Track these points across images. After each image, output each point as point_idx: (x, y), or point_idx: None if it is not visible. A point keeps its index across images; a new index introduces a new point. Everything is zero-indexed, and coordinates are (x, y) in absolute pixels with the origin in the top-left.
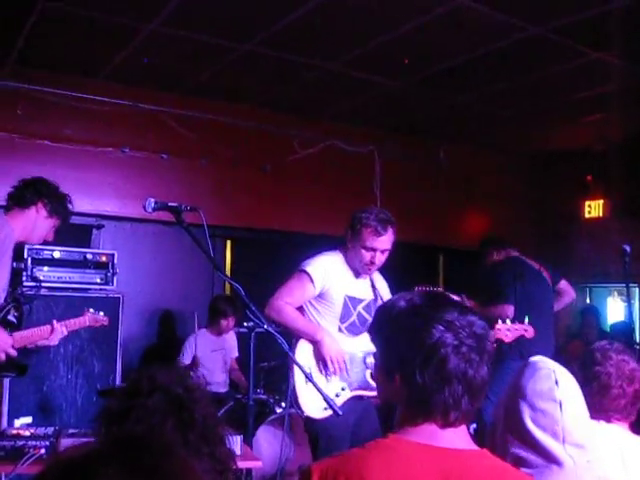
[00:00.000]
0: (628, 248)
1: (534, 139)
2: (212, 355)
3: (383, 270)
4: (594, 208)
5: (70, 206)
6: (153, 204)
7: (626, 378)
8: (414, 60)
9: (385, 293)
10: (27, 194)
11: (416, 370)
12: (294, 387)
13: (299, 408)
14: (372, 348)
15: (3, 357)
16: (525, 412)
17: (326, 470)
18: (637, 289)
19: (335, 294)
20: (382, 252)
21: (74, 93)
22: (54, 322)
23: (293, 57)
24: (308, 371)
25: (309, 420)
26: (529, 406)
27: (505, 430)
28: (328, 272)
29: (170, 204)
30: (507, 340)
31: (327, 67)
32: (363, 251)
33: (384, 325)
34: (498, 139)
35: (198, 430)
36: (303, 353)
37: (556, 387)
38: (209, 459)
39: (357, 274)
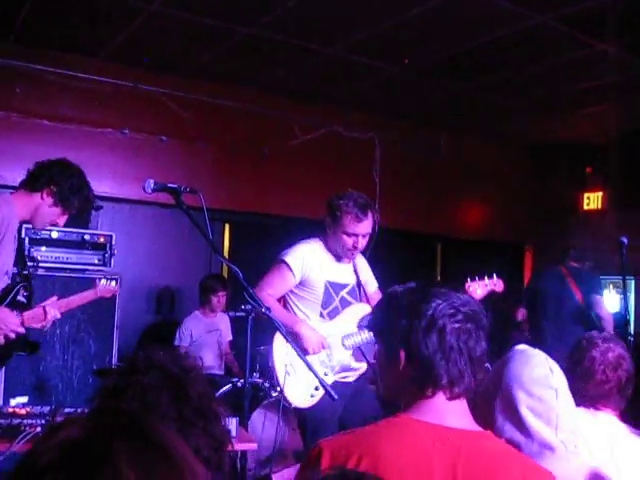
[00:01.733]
0: (625, 240)
1: (534, 130)
2: (207, 336)
3: (380, 257)
4: (593, 200)
5: (88, 196)
6: (152, 185)
7: (610, 364)
8: (416, 47)
9: (368, 277)
10: (39, 177)
11: (420, 341)
12: (278, 380)
13: (286, 400)
14: (350, 330)
15: (13, 336)
16: (521, 399)
17: (338, 448)
18: (633, 281)
19: (316, 281)
20: (363, 236)
21: (74, 72)
22: (46, 306)
23: (294, 41)
24: (288, 362)
25: (298, 409)
26: (526, 393)
27: (499, 413)
28: (307, 260)
29: (170, 185)
30: (477, 297)
31: (329, 52)
32: (345, 237)
33: (384, 309)
34: (499, 129)
35: (193, 405)
36: (281, 345)
37: (551, 374)
38: (203, 434)
39: (338, 259)
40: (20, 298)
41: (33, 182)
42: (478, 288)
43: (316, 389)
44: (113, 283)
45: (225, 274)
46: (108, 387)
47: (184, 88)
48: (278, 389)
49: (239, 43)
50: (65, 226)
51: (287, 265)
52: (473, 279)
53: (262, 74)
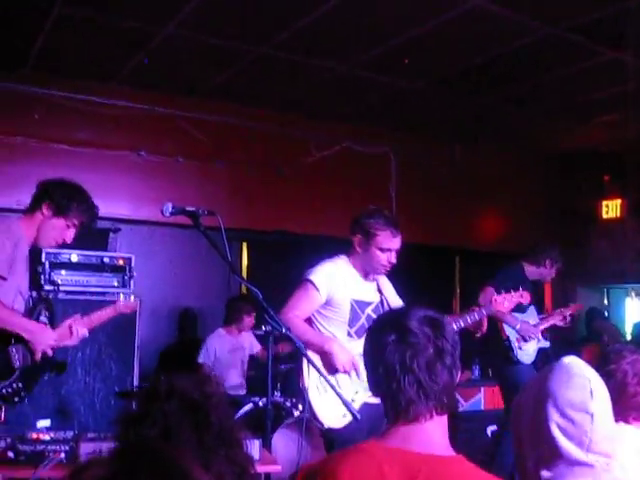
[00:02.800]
0: None
1: (551, 139)
2: (229, 355)
3: (399, 272)
4: (611, 208)
5: (86, 203)
6: (171, 209)
7: None
8: (430, 61)
9: (391, 295)
10: (36, 196)
11: (371, 372)
12: (309, 401)
13: (318, 421)
14: None
15: (50, 352)
16: (552, 417)
17: (309, 471)
18: None
19: (341, 299)
20: (396, 252)
21: (90, 97)
22: (73, 323)
23: (308, 59)
24: (319, 381)
25: (329, 431)
26: (559, 412)
27: (529, 428)
28: (332, 278)
29: (188, 208)
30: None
31: (342, 68)
32: (379, 253)
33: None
34: (515, 140)
35: (214, 432)
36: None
37: (590, 399)
38: (225, 461)
39: (365, 277)
40: (42, 319)
41: (32, 204)
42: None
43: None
44: (132, 298)
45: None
46: (129, 414)
47: (199, 109)
48: (306, 409)
49: (252, 63)
50: (84, 249)
51: (313, 284)
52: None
53: (276, 93)
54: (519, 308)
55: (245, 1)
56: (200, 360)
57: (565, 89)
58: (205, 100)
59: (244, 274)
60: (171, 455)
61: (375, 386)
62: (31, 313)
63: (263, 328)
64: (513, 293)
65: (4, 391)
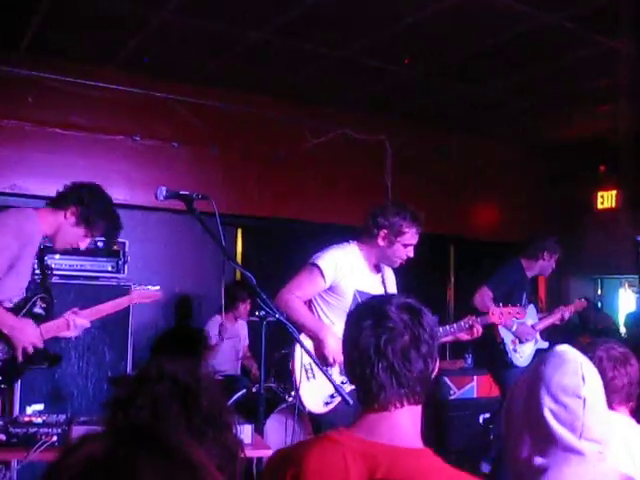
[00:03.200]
0: None
1: (546, 129)
2: (226, 343)
3: None
4: (607, 199)
5: (114, 222)
6: (165, 192)
7: (617, 360)
8: (427, 49)
9: (392, 289)
10: (66, 196)
11: (346, 356)
12: (295, 383)
13: (301, 404)
14: None
15: (30, 350)
16: (545, 403)
17: (278, 458)
18: None
19: (345, 288)
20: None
21: (85, 81)
22: (69, 316)
23: (305, 45)
24: (308, 366)
25: (310, 414)
26: (551, 398)
27: (523, 415)
28: (340, 266)
29: (182, 192)
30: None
31: (339, 55)
32: (402, 248)
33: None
34: (510, 129)
35: (202, 414)
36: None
37: (582, 383)
38: (214, 444)
39: (374, 269)
40: (37, 310)
41: (59, 200)
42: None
43: (332, 397)
44: (156, 287)
45: (237, 278)
46: (118, 396)
47: (195, 94)
48: (294, 392)
49: (249, 48)
50: None
51: (319, 269)
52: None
53: (272, 79)
54: None
55: None
56: (209, 343)
57: (562, 79)
58: (201, 85)
59: (238, 260)
60: (167, 433)
61: (350, 371)
62: (25, 303)
63: (257, 314)
64: (511, 308)
65: None
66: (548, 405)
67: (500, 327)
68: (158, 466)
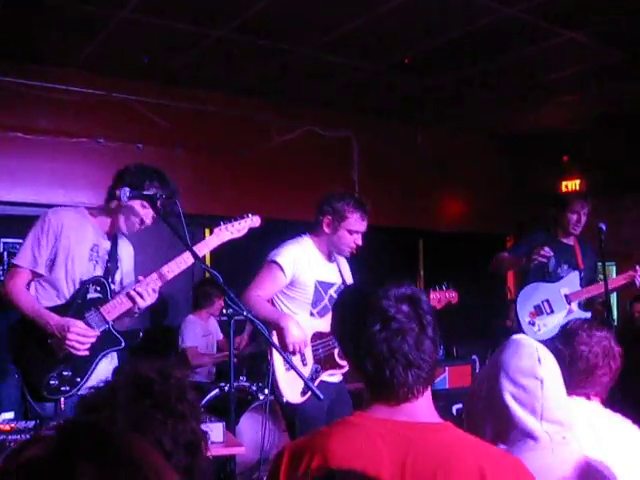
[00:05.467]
0: (604, 226)
1: (511, 120)
2: (203, 340)
3: (363, 255)
4: (571, 188)
5: (162, 178)
6: (128, 193)
7: (611, 356)
8: (389, 43)
9: (348, 277)
10: (112, 187)
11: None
12: (274, 373)
13: (279, 394)
14: None
15: (78, 349)
16: (506, 387)
17: (296, 448)
18: (614, 267)
19: (306, 280)
20: (363, 234)
21: (46, 84)
22: (135, 288)
23: (267, 43)
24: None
25: (287, 405)
26: (510, 381)
27: (485, 404)
28: (298, 260)
29: (145, 193)
30: (439, 307)
31: (301, 51)
32: (348, 235)
33: (338, 314)
34: (475, 121)
35: (153, 400)
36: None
37: (538, 365)
38: (164, 428)
39: (328, 258)
40: (92, 295)
41: (108, 195)
42: (439, 299)
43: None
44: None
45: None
46: (84, 399)
47: (158, 94)
48: (271, 384)
49: (211, 47)
50: None
51: (278, 265)
52: (435, 289)
53: (236, 77)
54: (548, 276)
55: None
56: (182, 344)
57: (524, 70)
58: (164, 85)
59: (208, 260)
60: (111, 430)
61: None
62: (77, 295)
63: (224, 312)
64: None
65: (52, 382)
66: (508, 389)
67: (518, 300)
68: (98, 466)
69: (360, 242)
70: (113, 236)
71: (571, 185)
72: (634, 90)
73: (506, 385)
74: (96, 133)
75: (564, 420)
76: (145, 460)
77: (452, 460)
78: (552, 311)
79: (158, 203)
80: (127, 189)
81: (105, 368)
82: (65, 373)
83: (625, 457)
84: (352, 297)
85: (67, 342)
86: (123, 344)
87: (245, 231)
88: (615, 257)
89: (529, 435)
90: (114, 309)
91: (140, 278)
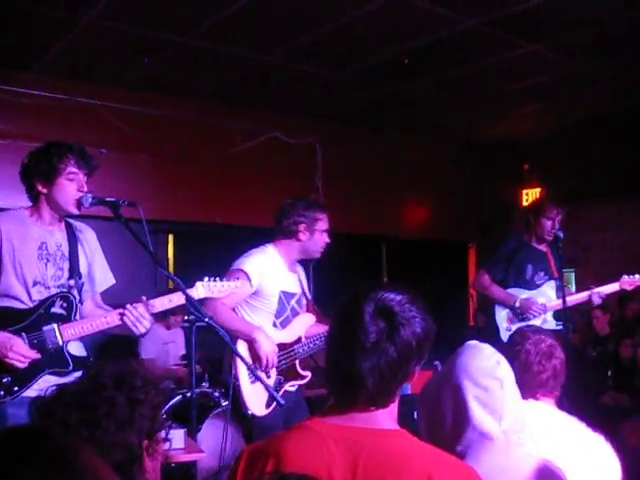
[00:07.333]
0: (561, 234)
1: (473, 129)
2: (164, 348)
3: (326, 261)
4: (531, 196)
5: (67, 150)
6: (90, 199)
7: (544, 354)
8: (353, 52)
9: (306, 287)
10: (27, 179)
11: (333, 376)
12: (239, 386)
13: (245, 407)
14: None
15: (18, 364)
16: (468, 389)
17: (253, 452)
18: (573, 274)
19: (271, 290)
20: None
21: (9, 87)
22: (130, 308)
23: (231, 50)
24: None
25: (254, 416)
26: (472, 382)
27: (446, 403)
28: (264, 269)
29: (107, 199)
30: None
31: (265, 59)
32: (324, 235)
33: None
34: (438, 129)
35: (107, 409)
36: (242, 352)
37: (497, 366)
38: (108, 438)
39: (290, 269)
40: (56, 310)
41: (28, 190)
42: None
43: (272, 398)
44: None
45: (171, 286)
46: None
47: (122, 99)
48: (233, 397)
49: (175, 53)
50: None
51: (245, 274)
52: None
53: (200, 83)
54: (526, 284)
55: None
56: (143, 354)
57: (486, 81)
58: (128, 90)
59: (171, 266)
60: (59, 437)
61: (330, 378)
62: (42, 304)
63: (186, 318)
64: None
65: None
66: (471, 391)
67: (496, 305)
68: (38, 473)
69: (329, 239)
70: (66, 225)
71: (531, 193)
72: (592, 100)
73: (469, 387)
74: (58, 137)
75: (520, 421)
76: (90, 469)
77: (401, 466)
78: (529, 316)
79: (120, 210)
80: (89, 195)
81: (55, 381)
82: (4, 380)
83: (578, 458)
84: (344, 301)
85: (7, 360)
86: (70, 368)
87: (226, 294)
88: (574, 264)
89: (486, 436)
90: (74, 332)
91: (143, 299)
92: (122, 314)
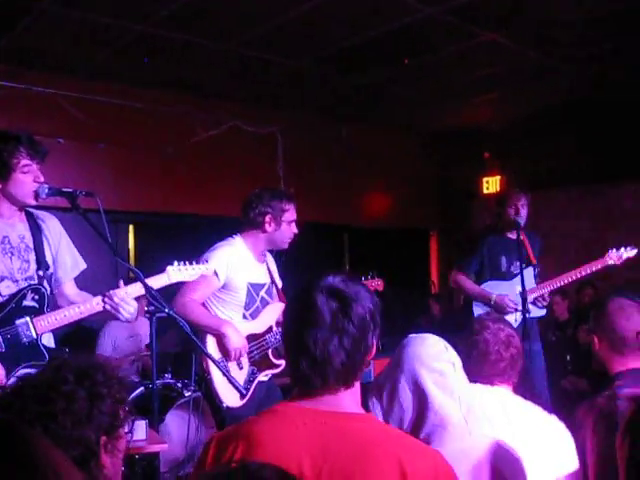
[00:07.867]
0: (521, 221)
1: (433, 118)
2: (128, 341)
3: (288, 250)
4: (491, 184)
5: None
6: (47, 190)
7: (502, 343)
8: (312, 41)
9: (276, 277)
10: None
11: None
12: (212, 380)
13: (219, 400)
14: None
15: None
16: (424, 374)
17: (223, 438)
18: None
19: (239, 283)
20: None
21: None
22: (109, 295)
23: (189, 38)
24: (223, 362)
25: (227, 409)
26: (427, 369)
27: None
28: (230, 262)
29: (64, 189)
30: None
31: (225, 47)
32: (287, 226)
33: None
34: (399, 118)
35: (62, 405)
36: (211, 346)
37: (446, 350)
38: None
39: (259, 259)
40: (28, 302)
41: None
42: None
43: (246, 389)
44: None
45: (131, 276)
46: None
47: (80, 89)
48: (206, 390)
49: (133, 41)
50: None
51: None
52: (367, 278)
53: (159, 72)
54: (502, 276)
55: None
56: (100, 350)
57: (444, 69)
58: (86, 79)
59: (132, 257)
60: (16, 430)
61: (301, 372)
62: (12, 298)
63: (146, 309)
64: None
65: None
66: (428, 377)
67: (474, 302)
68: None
69: (296, 230)
70: (27, 216)
71: (492, 181)
72: (550, 89)
73: (424, 374)
74: (14, 128)
75: (475, 403)
76: (48, 461)
77: (371, 449)
78: (506, 312)
79: (77, 200)
80: (46, 186)
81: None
82: None
83: (534, 439)
84: (296, 291)
85: None
86: (46, 360)
87: (197, 277)
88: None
89: (447, 419)
90: (48, 324)
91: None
92: (103, 301)
